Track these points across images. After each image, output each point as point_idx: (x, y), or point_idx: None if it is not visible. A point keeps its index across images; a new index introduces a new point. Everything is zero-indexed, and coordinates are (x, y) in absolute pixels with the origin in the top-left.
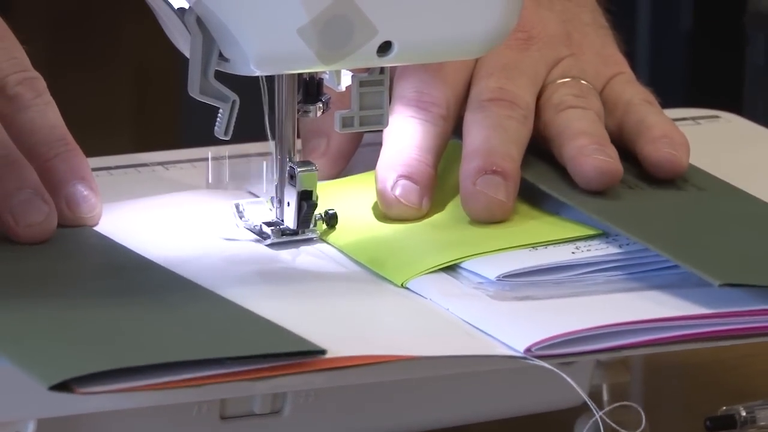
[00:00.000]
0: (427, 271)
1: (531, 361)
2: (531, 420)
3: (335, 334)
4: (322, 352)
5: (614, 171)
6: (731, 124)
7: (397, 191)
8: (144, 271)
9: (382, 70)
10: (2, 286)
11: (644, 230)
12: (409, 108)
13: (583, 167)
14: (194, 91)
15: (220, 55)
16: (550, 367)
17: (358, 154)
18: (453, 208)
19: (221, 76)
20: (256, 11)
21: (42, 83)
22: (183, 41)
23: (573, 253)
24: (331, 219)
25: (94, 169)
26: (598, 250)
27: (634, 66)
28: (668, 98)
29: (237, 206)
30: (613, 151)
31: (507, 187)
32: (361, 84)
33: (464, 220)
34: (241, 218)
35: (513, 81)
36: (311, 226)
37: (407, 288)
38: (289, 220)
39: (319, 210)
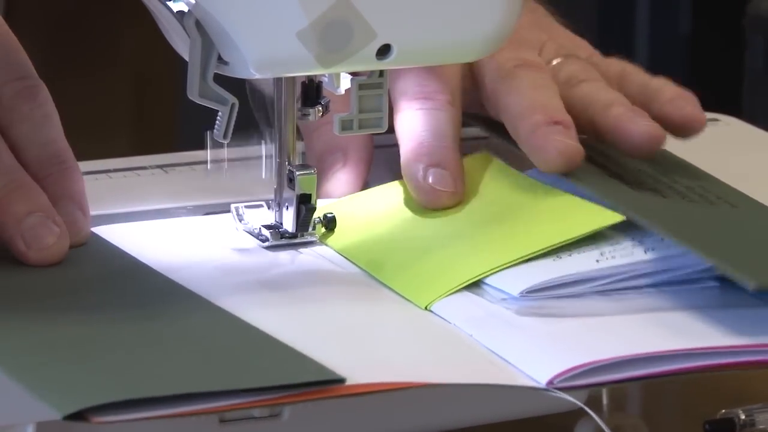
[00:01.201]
0: (450, 293)
1: (554, 394)
2: (531, 423)
3: (343, 354)
4: (342, 380)
5: (661, 135)
6: (731, 128)
7: (430, 179)
8: (157, 287)
9: (381, 73)
10: (8, 299)
11: (677, 230)
12: (415, 101)
13: (632, 134)
14: (193, 94)
15: (219, 58)
16: (573, 400)
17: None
18: (458, 214)
19: (220, 79)
20: (255, 14)
21: (43, 92)
22: (182, 44)
23: (597, 261)
24: (330, 222)
25: (92, 173)
26: (623, 257)
27: None
28: None
29: (236, 209)
30: (648, 117)
31: (572, 136)
32: (361, 87)
33: (476, 225)
34: (240, 221)
35: (525, 51)
36: (310, 229)
37: (431, 311)
38: (288, 223)
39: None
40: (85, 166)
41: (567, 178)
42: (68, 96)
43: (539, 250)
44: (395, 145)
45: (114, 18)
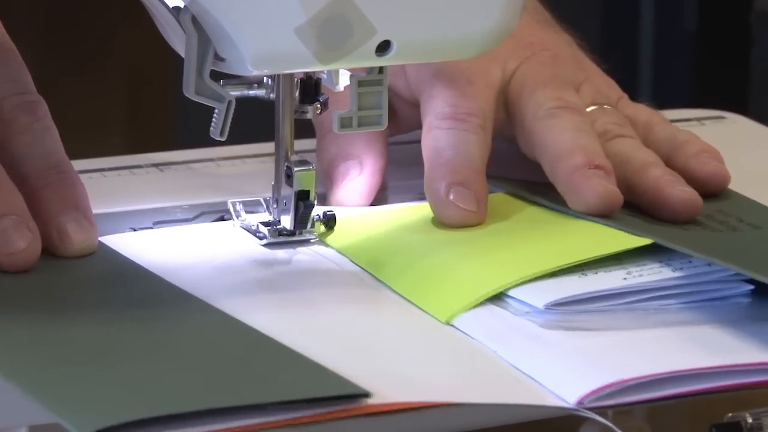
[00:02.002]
0: (472, 306)
1: (583, 414)
2: (535, 426)
3: (358, 366)
4: (367, 395)
5: (699, 202)
6: (737, 125)
7: (452, 196)
8: (164, 292)
9: (381, 69)
10: (9, 306)
11: (707, 250)
12: (446, 120)
13: (672, 200)
14: (189, 92)
15: (216, 54)
16: (603, 421)
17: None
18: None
19: (217, 77)
20: (252, 10)
21: (43, 107)
22: (178, 41)
23: (624, 279)
24: (329, 220)
25: (87, 171)
26: (650, 275)
27: (638, 66)
28: (673, 98)
29: (233, 205)
30: (684, 182)
31: (612, 181)
32: (360, 84)
33: (495, 237)
34: (237, 218)
35: (567, 92)
36: (309, 227)
37: (452, 326)
38: (286, 221)
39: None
40: (79, 164)
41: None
42: (63, 94)
43: (564, 265)
44: (398, 143)
45: (109, 14)
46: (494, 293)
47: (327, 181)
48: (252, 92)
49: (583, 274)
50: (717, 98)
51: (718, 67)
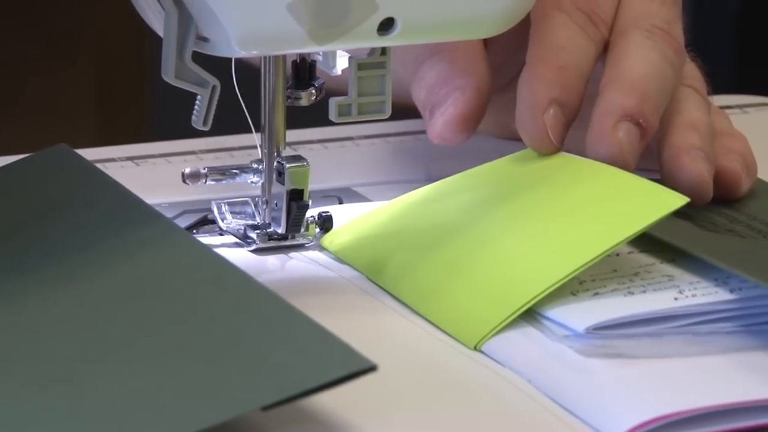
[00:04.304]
0: (502, 326)
1: None
2: None
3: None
4: (373, 368)
5: (706, 185)
6: None
7: (548, 120)
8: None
9: (383, 50)
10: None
11: (761, 271)
12: (579, 15)
13: (683, 170)
14: (169, 76)
15: (199, 34)
16: None
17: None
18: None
19: (199, 58)
20: None
21: None
22: (155, 18)
23: (676, 299)
24: (325, 222)
25: None
26: (705, 295)
27: None
28: (714, 84)
29: (218, 206)
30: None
31: (640, 147)
32: (360, 67)
33: (509, 222)
34: (222, 220)
35: (675, 26)
36: (302, 230)
37: (482, 351)
38: (278, 224)
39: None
40: None
41: None
42: (23, 79)
43: (596, 257)
44: (405, 133)
45: None
46: (522, 308)
47: (425, 114)
48: None
49: (629, 292)
50: (760, 81)
51: (763, 49)
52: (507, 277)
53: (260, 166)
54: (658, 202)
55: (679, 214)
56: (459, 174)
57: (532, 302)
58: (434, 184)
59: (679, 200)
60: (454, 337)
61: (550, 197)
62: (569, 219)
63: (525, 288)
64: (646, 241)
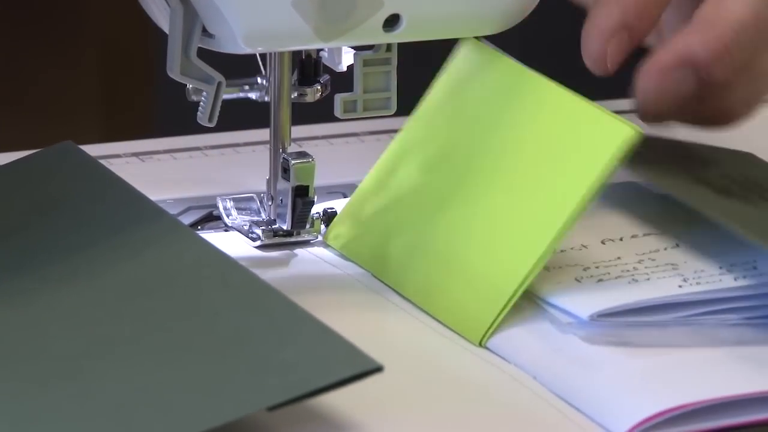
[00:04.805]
0: (502, 316)
1: None
2: None
3: (371, 393)
4: (380, 368)
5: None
6: None
7: (611, 46)
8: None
9: (388, 47)
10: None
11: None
12: None
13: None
14: (174, 72)
15: (204, 30)
16: None
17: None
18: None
19: (205, 55)
20: None
21: None
22: (161, 15)
23: (680, 286)
24: (330, 218)
25: None
26: (708, 283)
27: None
28: None
29: (223, 202)
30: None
31: (688, 105)
32: (365, 63)
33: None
34: (227, 216)
35: None
36: (308, 226)
37: (487, 348)
38: (283, 220)
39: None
40: None
41: (648, 180)
42: (28, 74)
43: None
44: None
45: None
46: (515, 295)
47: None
48: (244, 94)
49: (633, 279)
50: None
51: None
52: (495, 260)
53: (264, 81)
54: (611, 139)
55: (694, 173)
56: (418, 112)
57: (523, 288)
58: (400, 135)
59: (629, 131)
60: (459, 333)
61: (516, 142)
62: (537, 173)
63: (513, 273)
64: (650, 219)
